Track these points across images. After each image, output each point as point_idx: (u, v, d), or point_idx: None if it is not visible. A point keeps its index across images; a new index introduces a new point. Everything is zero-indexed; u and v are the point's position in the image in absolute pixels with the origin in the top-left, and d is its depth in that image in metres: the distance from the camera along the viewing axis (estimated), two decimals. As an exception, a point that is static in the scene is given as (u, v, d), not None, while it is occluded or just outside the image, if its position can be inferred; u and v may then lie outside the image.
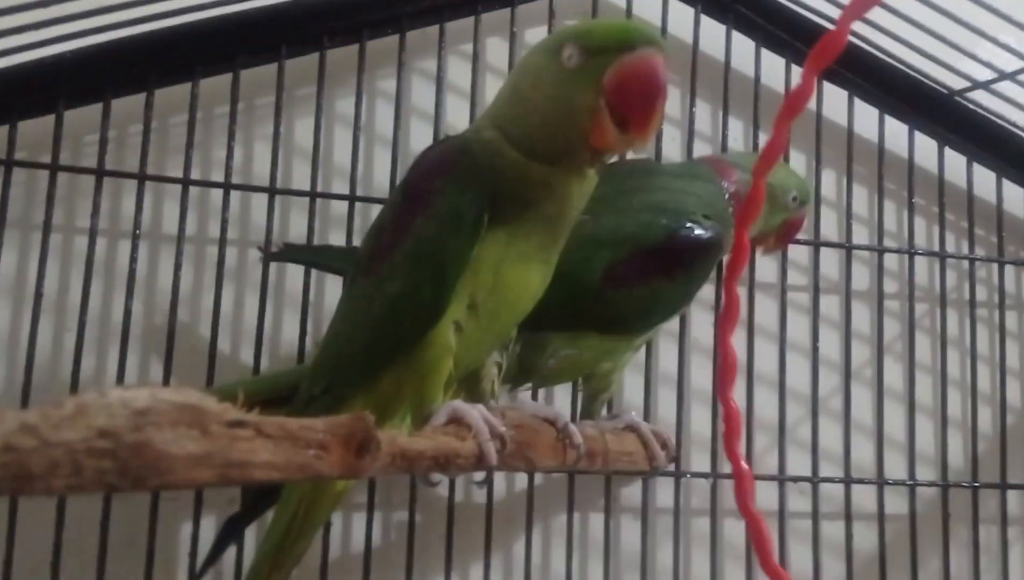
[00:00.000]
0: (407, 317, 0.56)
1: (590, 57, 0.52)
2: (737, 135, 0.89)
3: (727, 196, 0.71)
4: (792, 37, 0.87)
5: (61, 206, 0.75)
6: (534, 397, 0.78)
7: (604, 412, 0.73)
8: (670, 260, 0.67)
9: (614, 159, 0.63)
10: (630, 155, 0.75)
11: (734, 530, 0.82)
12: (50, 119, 0.73)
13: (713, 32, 0.87)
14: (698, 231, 0.67)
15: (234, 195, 0.77)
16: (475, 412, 0.54)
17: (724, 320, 0.53)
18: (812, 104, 0.89)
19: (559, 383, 0.76)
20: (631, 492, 0.83)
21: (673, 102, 0.85)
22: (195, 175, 0.76)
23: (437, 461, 0.50)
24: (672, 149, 0.87)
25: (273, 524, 0.64)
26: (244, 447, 0.38)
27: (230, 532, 0.67)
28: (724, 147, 0.86)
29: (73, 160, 0.76)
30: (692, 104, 0.86)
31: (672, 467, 0.80)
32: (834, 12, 0.83)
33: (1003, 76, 0.83)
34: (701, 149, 0.87)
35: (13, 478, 0.30)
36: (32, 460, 0.31)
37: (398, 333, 0.57)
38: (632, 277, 0.66)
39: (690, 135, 0.86)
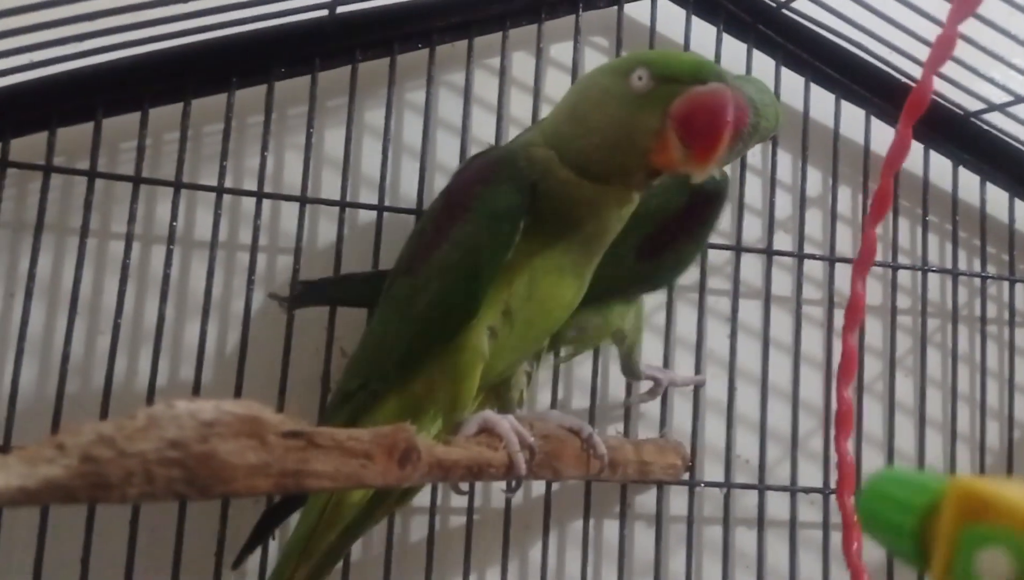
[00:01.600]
0: (441, 316, 0.58)
1: (661, 83, 0.55)
2: (786, 165, 0.91)
3: None
4: (871, 92, 0.91)
5: (97, 211, 0.77)
6: (553, 405, 0.80)
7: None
8: (692, 221, 0.71)
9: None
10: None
11: (746, 539, 0.84)
12: (88, 126, 0.75)
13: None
14: (709, 187, 0.70)
15: (265, 203, 0.79)
16: (506, 423, 0.56)
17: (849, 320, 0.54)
18: (830, 122, 0.91)
19: (583, 351, 0.79)
20: (646, 500, 0.85)
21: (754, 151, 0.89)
22: (228, 183, 0.78)
23: (471, 470, 0.52)
24: (753, 194, 0.90)
25: (299, 525, 0.66)
26: (298, 457, 0.40)
27: (269, 523, 0.69)
28: (773, 179, 0.90)
29: (110, 167, 0.78)
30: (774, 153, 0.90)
31: (687, 476, 0.82)
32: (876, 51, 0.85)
33: (1019, 99, 0.85)
34: (751, 180, 0.90)
35: (92, 487, 0.33)
36: (109, 470, 0.33)
37: (433, 332, 0.59)
38: (661, 246, 0.70)
39: (743, 165, 0.89)
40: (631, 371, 0.79)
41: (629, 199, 0.59)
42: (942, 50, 0.51)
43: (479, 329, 0.58)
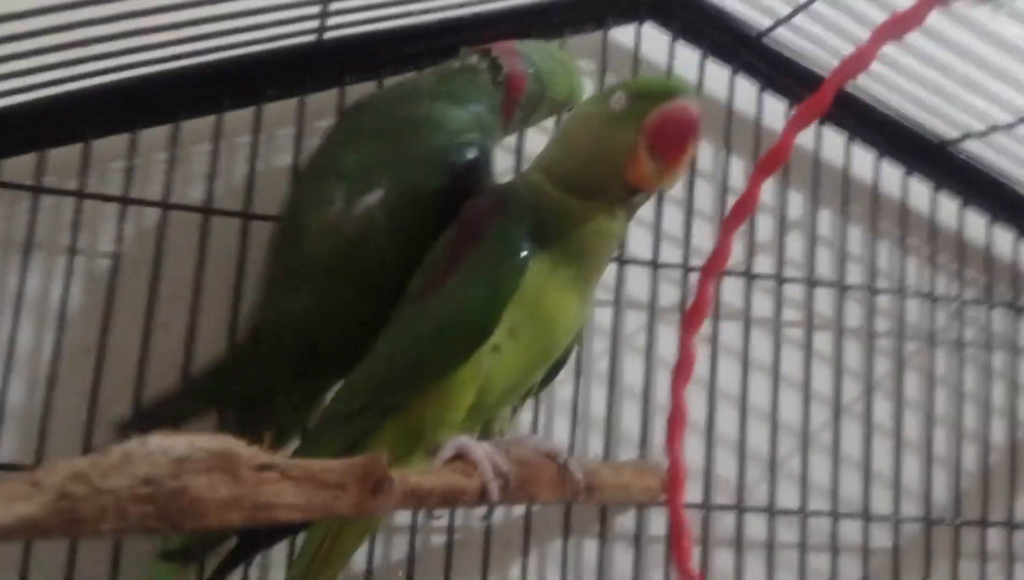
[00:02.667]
0: (456, 338, 0.60)
1: (635, 101, 0.59)
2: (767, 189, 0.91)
3: (500, 105, 0.72)
4: (851, 118, 0.92)
5: (86, 231, 0.78)
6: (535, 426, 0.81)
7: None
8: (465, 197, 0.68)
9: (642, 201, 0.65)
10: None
11: (725, 560, 0.85)
12: (78, 147, 0.76)
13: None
14: (470, 153, 0.68)
15: (252, 223, 0.80)
16: (480, 450, 0.57)
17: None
18: (811, 144, 0.92)
19: None
20: (625, 520, 0.86)
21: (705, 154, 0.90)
22: (217, 204, 0.79)
23: (445, 498, 0.53)
24: (703, 201, 0.90)
25: (301, 554, 0.67)
26: (270, 489, 0.41)
27: (245, 548, 0.70)
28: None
29: (99, 187, 0.78)
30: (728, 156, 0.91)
31: (664, 497, 0.83)
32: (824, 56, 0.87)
33: (995, 128, 0.86)
34: (732, 203, 0.91)
35: (66, 523, 0.34)
36: (84, 507, 0.34)
37: (443, 353, 0.61)
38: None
39: (724, 188, 0.90)
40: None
41: (615, 216, 0.62)
42: (852, 65, 0.52)
43: (484, 348, 0.60)
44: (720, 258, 0.55)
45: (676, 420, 0.55)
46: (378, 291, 0.65)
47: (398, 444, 0.61)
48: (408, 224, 0.66)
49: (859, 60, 0.51)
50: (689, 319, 0.54)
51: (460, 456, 0.57)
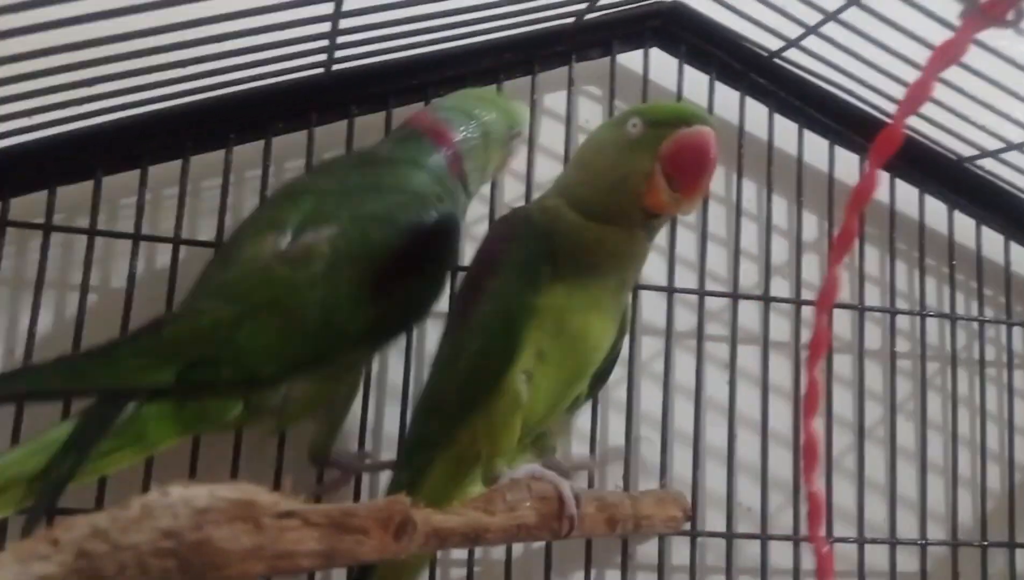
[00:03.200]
0: (484, 365, 0.62)
1: (651, 128, 0.60)
2: (781, 211, 0.92)
3: (447, 163, 0.72)
4: (864, 138, 0.90)
5: (98, 268, 0.77)
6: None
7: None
8: (421, 257, 0.67)
9: (661, 223, 0.66)
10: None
11: (749, 589, 0.84)
12: (88, 184, 0.76)
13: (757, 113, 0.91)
14: (432, 221, 0.68)
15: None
16: (553, 474, 0.60)
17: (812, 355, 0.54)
18: (824, 167, 0.91)
19: (289, 424, 0.70)
20: (647, 550, 0.84)
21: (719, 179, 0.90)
22: (227, 238, 0.79)
23: (468, 537, 0.52)
24: (717, 225, 0.90)
25: None
26: (292, 537, 0.40)
27: None
28: (768, 225, 0.89)
29: (110, 224, 0.78)
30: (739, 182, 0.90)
31: (688, 526, 0.82)
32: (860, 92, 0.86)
33: (1011, 146, 0.86)
34: (746, 226, 0.90)
35: (86, 580, 0.33)
36: (104, 564, 0.33)
37: (477, 382, 0.62)
38: (390, 285, 0.66)
39: (738, 212, 0.89)
40: (319, 451, 0.71)
41: (635, 238, 0.63)
42: (917, 95, 0.51)
43: (515, 373, 0.61)
44: (831, 291, 0.55)
45: (810, 453, 0.54)
46: (296, 321, 0.63)
47: (450, 475, 0.64)
48: (349, 269, 0.64)
49: (922, 89, 0.51)
50: (812, 353, 0.54)
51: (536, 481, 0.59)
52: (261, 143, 0.79)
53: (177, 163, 0.78)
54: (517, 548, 0.81)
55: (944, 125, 0.87)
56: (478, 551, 0.80)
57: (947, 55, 0.53)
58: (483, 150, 0.75)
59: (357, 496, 0.76)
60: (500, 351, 0.61)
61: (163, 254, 0.78)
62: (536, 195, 0.85)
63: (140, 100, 0.72)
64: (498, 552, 0.81)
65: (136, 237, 0.76)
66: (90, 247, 0.76)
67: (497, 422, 0.62)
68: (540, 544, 0.81)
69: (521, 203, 0.85)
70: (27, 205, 0.75)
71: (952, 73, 0.80)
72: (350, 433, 0.77)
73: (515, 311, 0.61)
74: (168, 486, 0.36)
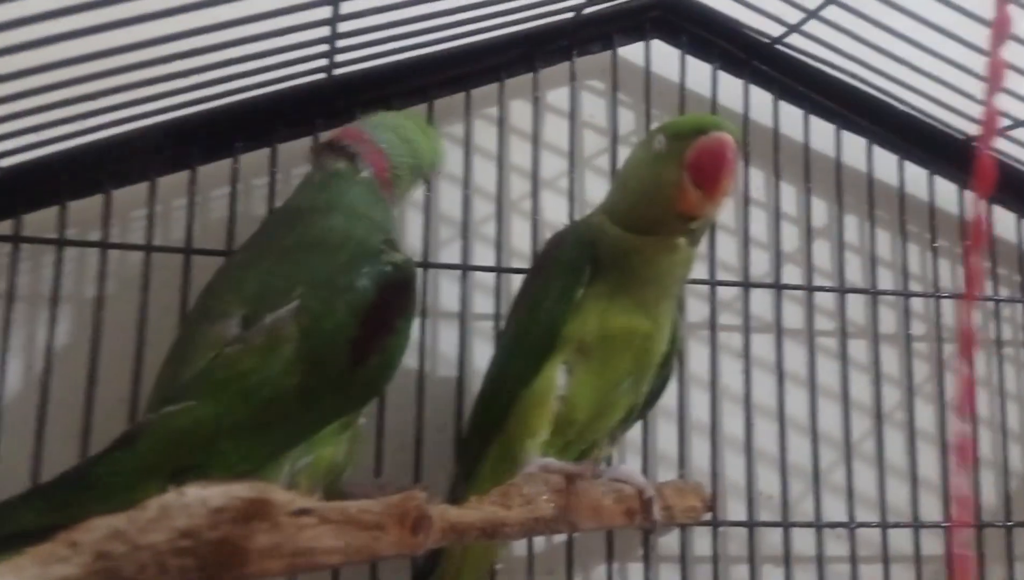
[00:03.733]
0: (525, 354, 0.68)
1: (674, 141, 0.65)
2: (790, 198, 0.92)
3: (379, 185, 0.70)
4: (871, 121, 0.91)
5: (112, 280, 0.78)
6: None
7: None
8: (390, 314, 0.64)
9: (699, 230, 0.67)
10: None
11: (773, 577, 0.84)
12: (98, 198, 0.77)
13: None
14: (396, 276, 0.64)
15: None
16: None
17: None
18: (831, 151, 0.91)
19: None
20: (669, 541, 0.84)
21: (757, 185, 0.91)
22: (237, 246, 0.79)
23: (485, 531, 0.52)
24: (726, 214, 0.90)
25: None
26: (309, 535, 0.40)
27: None
28: (777, 212, 0.89)
29: (122, 237, 0.79)
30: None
31: (708, 516, 0.82)
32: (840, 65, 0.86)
33: (1019, 123, 0.85)
34: (755, 214, 0.89)
35: (105, 581, 0.33)
36: (123, 564, 0.33)
37: (519, 371, 0.67)
38: (367, 348, 0.63)
39: (746, 200, 0.89)
40: (331, 489, 0.65)
41: (675, 247, 0.66)
42: (995, 77, 0.50)
43: (555, 362, 0.67)
44: (974, 284, 0.55)
45: (963, 453, 0.53)
46: (277, 412, 0.60)
47: (501, 465, 0.67)
48: (320, 346, 0.61)
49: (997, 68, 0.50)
50: (962, 349, 0.53)
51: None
52: (267, 151, 0.80)
53: (185, 174, 0.78)
54: (539, 544, 0.82)
55: (950, 105, 0.86)
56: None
57: (1002, 32, 0.52)
58: (409, 179, 0.74)
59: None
60: (539, 340, 0.67)
61: (174, 264, 0.78)
62: (542, 192, 0.86)
63: (144, 112, 0.72)
64: (520, 548, 0.81)
65: (148, 248, 0.77)
66: (103, 260, 0.76)
67: (530, 403, 0.66)
68: (561, 538, 0.81)
69: (527, 201, 0.85)
70: (39, 221, 0.76)
71: (955, 51, 0.80)
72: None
73: (556, 302, 0.67)
74: (184, 487, 0.36)
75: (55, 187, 0.76)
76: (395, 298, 0.65)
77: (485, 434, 0.70)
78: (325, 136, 0.76)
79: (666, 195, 0.65)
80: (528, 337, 0.68)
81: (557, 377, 0.67)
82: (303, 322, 0.61)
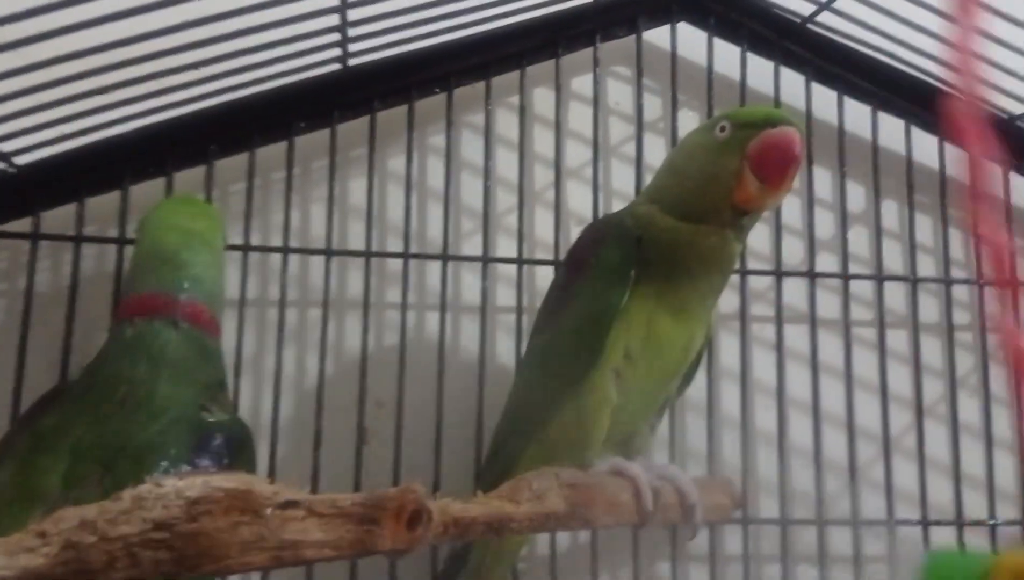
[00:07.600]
0: (572, 363, 0.65)
1: (739, 129, 0.63)
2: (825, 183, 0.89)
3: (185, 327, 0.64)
4: (909, 102, 0.88)
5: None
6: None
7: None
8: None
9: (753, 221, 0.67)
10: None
11: (808, 577, 0.80)
12: (116, 194, 0.77)
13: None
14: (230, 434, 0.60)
15: (292, 258, 0.79)
16: (635, 468, 0.63)
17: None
18: (867, 135, 0.87)
19: None
20: (698, 539, 0.80)
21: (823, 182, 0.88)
22: (254, 241, 0.79)
23: (490, 526, 0.50)
24: (791, 215, 0.87)
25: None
26: (296, 527, 0.39)
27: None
28: (811, 198, 0.86)
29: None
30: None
31: (739, 513, 0.79)
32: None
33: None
34: (789, 200, 0.85)
35: (74, 573, 0.32)
36: (91, 555, 0.32)
37: (564, 378, 0.65)
38: None
39: (811, 201, 0.87)
40: None
41: (726, 239, 0.65)
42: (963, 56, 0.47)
43: (604, 372, 0.65)
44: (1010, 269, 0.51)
45: None
46: None
47: (539, 466, 0.64)
48: None
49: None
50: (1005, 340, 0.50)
51: (617, 474, 0.63)
52: (284, 144, 0.79)
53: (202, 168, 0.78)
54: (562, 542, 0.79)
55: (994, 83, 0.82)
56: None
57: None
58: (218, 279, 0.69)
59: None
60: (588, 349, 0.64)
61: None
62: (566, 182, 0.84)
63: (160, 106, 0.72)
64: (543, 547, 0.79)
65: (166, 244, 0.76)
66: (121, 257, 0.76)
67: (587, 417, 0.65)
68: (586, 536, 0.79)
69: (550, 192, 0.83)
70: (57, 218, 0.76)
71: (999, 27, 0.76)
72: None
73: (603, 311, 0.64)
74: (164, 478, 0.35)
75: (72, 184, 0.76)
76: (216, 461, 0.57)
77: (523, 437, 0.68)
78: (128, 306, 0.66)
79: (724, 184, 0.63)
80: (570, 346, 0.66)
81: (609, 387, 0.65)
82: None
